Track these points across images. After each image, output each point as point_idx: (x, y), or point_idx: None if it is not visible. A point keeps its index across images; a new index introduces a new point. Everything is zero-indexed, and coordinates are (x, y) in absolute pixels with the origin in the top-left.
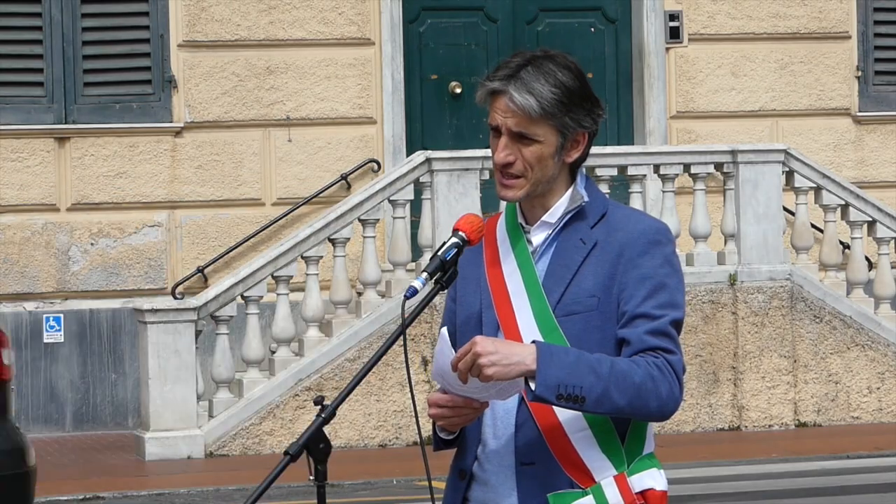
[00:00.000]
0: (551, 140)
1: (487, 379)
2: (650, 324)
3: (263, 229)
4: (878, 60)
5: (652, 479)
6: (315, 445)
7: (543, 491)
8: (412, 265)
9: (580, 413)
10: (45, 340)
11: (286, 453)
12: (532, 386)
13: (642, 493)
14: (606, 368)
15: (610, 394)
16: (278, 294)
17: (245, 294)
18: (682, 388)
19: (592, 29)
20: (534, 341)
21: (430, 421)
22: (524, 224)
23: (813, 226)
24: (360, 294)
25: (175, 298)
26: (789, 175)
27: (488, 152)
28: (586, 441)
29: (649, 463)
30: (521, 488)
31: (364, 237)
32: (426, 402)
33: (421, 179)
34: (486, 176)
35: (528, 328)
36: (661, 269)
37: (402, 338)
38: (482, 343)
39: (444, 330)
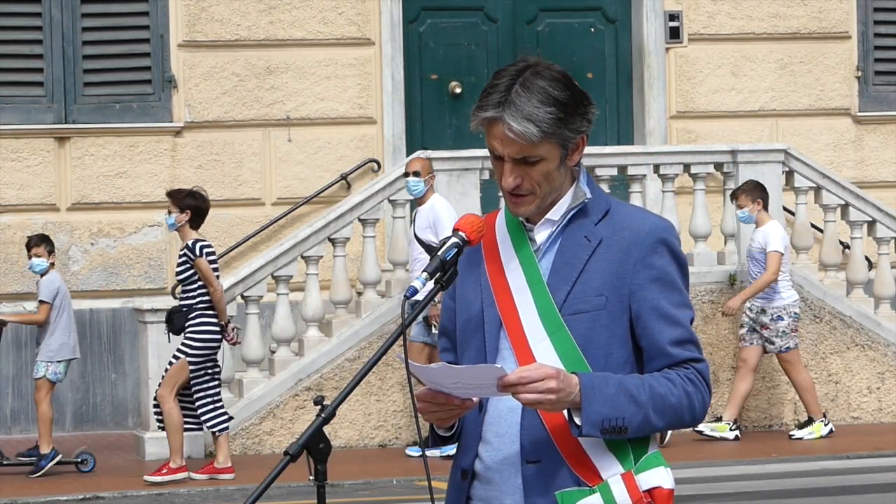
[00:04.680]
0: (554, 154)
1: (529, 405)
2: (675, 332)
3: (263, 229)
4: (878, 60)
5: (659, 477)
6: (315, 445)
7: (549, 489)
8: None
9: None
10: None
11: (286, 453)
12: (577, 421)
13: (649, 492)
14: (645, 395)
15: (650, 419)
16: (278, 294)
17: (245, 294)
18: (711, 390)
19: (592, 29)
20: (575, 373)
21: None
22: (525, 223)
23: (813, 226)
24: (360, 294)
25: (175, 298)
26: (789, 175)
27: (488, 152)
28: (593, 439)
29: (656, 461)
30: (526, 486)
31: (364, 237)
32: None
33: None
34: (486, 176)
35: (533, 326)
36: (671, 267)
37: (402, 338)
38: (557, 380)
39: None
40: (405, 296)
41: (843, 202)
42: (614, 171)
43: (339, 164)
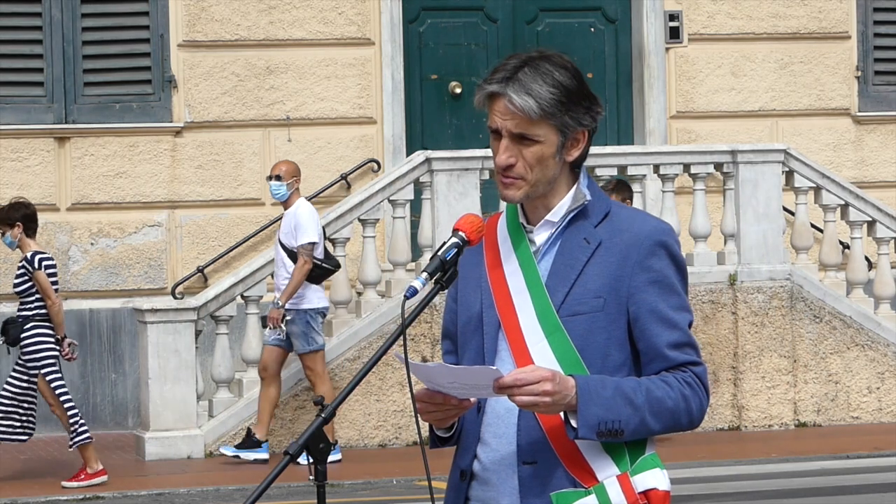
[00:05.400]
0: (552, 140)
1: (525, 408)
2: (673, 335)
3: (263, 229)
4: (878, 60)
5: (655, 479)
6: (315, 445)
7: (545, 490)
8: (412, 265)
9: None
10: None
11: (286, 453)
12: (573, 423)
13: (645, 493)
14: (642, 398)
15: (646, 422)
16: None
17: (245, 294)
18: (709, 394)
19: (592, 29)
20: (571, 375)
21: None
22: (525, 224)
23: (813, 226)
24: (360, 294)
25: (175, 298)
26: (789, 175)
27: (488, 152)
28: (589, 441)
29: (652, 463)
30: (522, 487)
31: (364, 237)
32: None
33: (421, 179)
34: (486, 176)
35: (531, 328)
36: (670, 270)
37: (402, 338)
38: (552, 383)
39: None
40: (405, 296)
41: (842, 202)
42: (614, 171)
43: (339, 164)
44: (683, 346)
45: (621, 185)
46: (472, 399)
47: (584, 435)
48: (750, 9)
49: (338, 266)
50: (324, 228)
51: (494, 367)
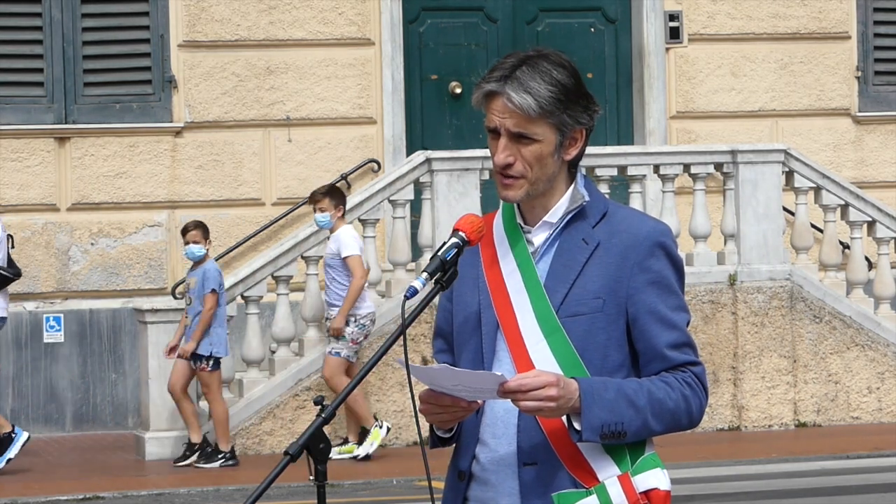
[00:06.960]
0: (550, 138)
1: (529, 412)
2: (672, 335)
3: (263, 229)
4: (878, 60)
5: (656, 478)
6: (315, 445)
7: (546, 491)
8: (412, 265)
9: None
10: (45, 340)
11: (286, 453)
12: (577, 426)
13: (646, 493)
14: (644, 399)
15: (648, 423)
16: (278, 294)
17: (245, 294)
18: (708, 394)
19: (592, 29)
20: (574, 378)
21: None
22: (523, 224)
23: (813, 226)
24: None
25: (175, 298)
26: (789, 175)
27: (488, 152)
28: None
29: (653, 463)
30: (523, 488)
31: (364, 237)
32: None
33: (421, 179)
34: (486, 176)
35: (530, 328)
36: (668, 270)
37: (402, 338)
38: (557, 388)
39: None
40: (405, 296)
41: (842, 202)
42: (614, 171)
43: (339, 164)
44: (682, 347)
45: (334, 191)
46: (479, 401)
47: (587, 438)
48: (750, 9)
49: (18, 274)
50: (10, 236)
51: (500, 373)
